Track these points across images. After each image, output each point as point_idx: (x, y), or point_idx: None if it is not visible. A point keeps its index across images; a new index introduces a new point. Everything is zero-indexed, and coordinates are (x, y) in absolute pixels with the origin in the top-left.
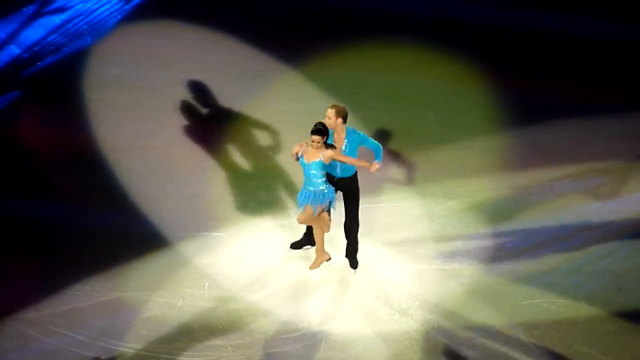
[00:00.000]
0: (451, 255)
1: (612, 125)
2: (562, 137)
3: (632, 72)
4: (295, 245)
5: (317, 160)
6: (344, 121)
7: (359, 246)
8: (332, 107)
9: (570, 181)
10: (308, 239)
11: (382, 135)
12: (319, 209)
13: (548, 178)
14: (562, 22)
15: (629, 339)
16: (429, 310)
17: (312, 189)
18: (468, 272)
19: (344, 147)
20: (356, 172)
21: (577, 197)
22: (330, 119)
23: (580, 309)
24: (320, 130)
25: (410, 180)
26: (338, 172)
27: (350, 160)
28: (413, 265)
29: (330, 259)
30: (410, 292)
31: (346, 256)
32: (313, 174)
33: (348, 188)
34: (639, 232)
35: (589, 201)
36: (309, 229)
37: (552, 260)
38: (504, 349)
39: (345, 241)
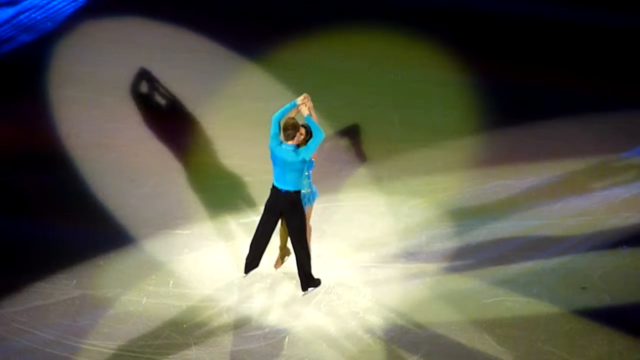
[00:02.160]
0: (415, 254)
1: (577, 124)
2: (525, 135)
3: (601, 63)
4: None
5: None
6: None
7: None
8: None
9: (535, 179)
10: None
11: (346, 134)
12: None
13: (512, 176)
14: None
15: (592, 337)
16: (392, 309)
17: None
18: (432, 270)
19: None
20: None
21: (542, 195)
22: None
23: (543, 308)
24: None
25: (374, 179)
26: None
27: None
28: (377, 263)
29: (290, 253)
30: (374, 290)
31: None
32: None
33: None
34: (603, 230)
35: (553, 199)
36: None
37: (516, 259)
38: (467, 348)
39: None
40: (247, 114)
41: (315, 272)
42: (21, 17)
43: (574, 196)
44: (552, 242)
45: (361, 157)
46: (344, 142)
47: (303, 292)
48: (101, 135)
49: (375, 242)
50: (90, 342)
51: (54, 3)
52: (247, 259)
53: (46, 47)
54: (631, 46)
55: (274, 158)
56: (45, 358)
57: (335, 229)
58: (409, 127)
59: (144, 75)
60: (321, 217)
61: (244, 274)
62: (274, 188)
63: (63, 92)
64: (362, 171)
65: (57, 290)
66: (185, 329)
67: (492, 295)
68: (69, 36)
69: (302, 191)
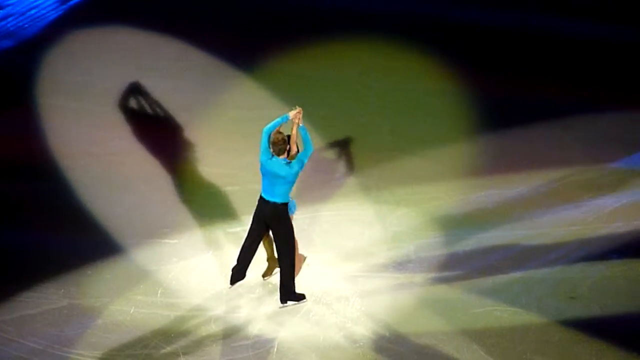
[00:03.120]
0: (403, 263)
1: (566, 133)
2: (514, 145)
3: (577, 76)
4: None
5: None
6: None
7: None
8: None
9: (523, 188)
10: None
11: (335, 143)
12: None
13: (501, 185)
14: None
15: (581, 348)
16: (380, 319)
17: None
18: (420, 280)
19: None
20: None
21: (531, 205)
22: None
23: (533, 318)
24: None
25: (363, 188)
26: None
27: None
28: (365, 273)
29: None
30: (362, 300)
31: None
32: None
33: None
34: (592, 240)
35: (542, 208)
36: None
37: (504, 269)
38: (455, 358)
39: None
40: (235, 124)
41: (304, 282)
42: (4, 22)
43: (563, 206)
44: (541, 252)
45: (350, 166)
46: (332, 152)
47: (281, 305)
48: (89, 144)
49: (364, 251)
50: (78, 352)
51: (37, 10)
52: (233, 269)
53: (34, 56)
54: (622, 57)
55: (265, 171)
56: None
57: (323, 238)
58: (398, 137)
59: (131, 84)
60: (310, 227)
61: (230, 285)
62: (261, 199)
63: (51, 101)
64: (350, 180)
65: (45, 300)
66: (173, 339)
67: (481, 305)
68: (57, 45)
69: None
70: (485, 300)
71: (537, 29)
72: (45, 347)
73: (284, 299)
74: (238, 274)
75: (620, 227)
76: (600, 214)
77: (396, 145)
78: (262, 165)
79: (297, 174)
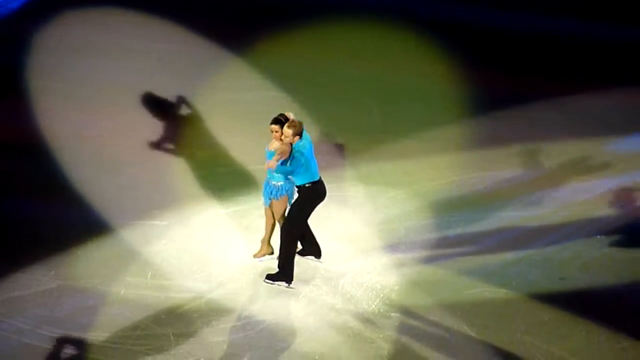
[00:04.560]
0: (394, 245)
1: (555, 116)
2: (505, 127)
3: (579, 65)
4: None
5: (272, 150)
6: (299, 137)
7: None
8: (288, 126)
9: (514, 171)
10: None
11: (326, 125)
12: (271, 202)
13: (492, 168)
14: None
15: (570, 328)
16: (372, 300)
17: (270, 181)
18: (411, 261)
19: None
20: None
21: (521, 188)
22: (286, 137)
23: (523, 299)
24: (278, 120)
25: (353, 170)
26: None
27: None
28: (356, 254)
29: (272, 252)
30: (353, 281)
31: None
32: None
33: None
34: (582, 222)
35: (532, 191)
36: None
37: (495, 250)
38: (446, 339)
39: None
40: (226, 105)
41: (295, 263)
42: None
43: (553, 189)
44: (531, 234)
45: (340, 148)
46: (323, 134)
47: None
48: (78, 126)
49: (354, 233)
50: (68, 333)
51: None
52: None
53: (23, 36)
54: (615, 49)
55: (307, 159)
56: (19, 347)
57: (313, 220)
58: (388, 118)
59: (121, 65)
60: None
61: (320, 259)
62: (317, 183)
63: (39, 83)
64: (341, 162)
65: (35, 281)
66: (164, 320)
67: (472, 286)
68: (46, 26)
69: (281, 183)
70: (475, 282)
71: (530, 20)
72: (34, 328)
73: (320, 254)
74: (316, 252)
75: (610, 209)
76: (591, 196)
77: (387, 127)
78: (304, 155)
79: None
